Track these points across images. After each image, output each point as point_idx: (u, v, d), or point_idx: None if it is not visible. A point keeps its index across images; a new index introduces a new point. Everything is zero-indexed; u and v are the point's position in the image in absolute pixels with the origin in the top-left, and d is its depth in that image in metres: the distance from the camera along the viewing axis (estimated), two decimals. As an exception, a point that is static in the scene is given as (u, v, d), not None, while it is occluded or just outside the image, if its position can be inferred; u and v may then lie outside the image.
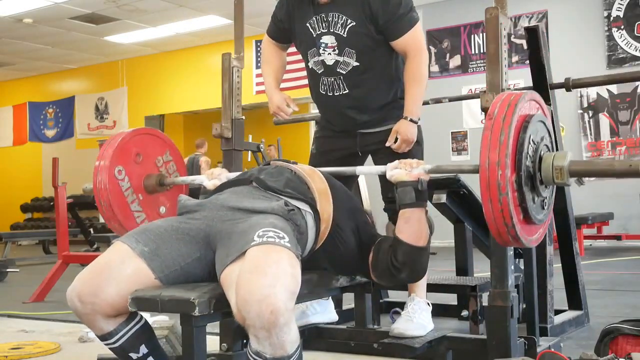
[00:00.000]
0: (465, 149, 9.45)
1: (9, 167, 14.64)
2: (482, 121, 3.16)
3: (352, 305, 2.81)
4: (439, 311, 3.35)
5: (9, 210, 14.05)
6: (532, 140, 2.00)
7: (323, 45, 2.60)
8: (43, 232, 10.74)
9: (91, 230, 9.90)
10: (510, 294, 2.26)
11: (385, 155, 2.66)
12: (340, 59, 2.59)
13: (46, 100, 14.06)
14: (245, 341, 2.64)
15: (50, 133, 14.00)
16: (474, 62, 9.51)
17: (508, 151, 1.88)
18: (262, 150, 2.79)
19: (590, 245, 8.12)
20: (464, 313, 3.41)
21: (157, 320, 2.92)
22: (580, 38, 8.50)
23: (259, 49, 11.07)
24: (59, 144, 13.81)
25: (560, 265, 3.43)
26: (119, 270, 1.82)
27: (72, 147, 13.52)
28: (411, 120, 2.60)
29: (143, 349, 1.90)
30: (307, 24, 2.63)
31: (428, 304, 2.69)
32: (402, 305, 3.52)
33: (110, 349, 1.90)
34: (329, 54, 2.60)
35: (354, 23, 2.56)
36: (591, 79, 3.41)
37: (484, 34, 2.42)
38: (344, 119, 2.70)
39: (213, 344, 2.48)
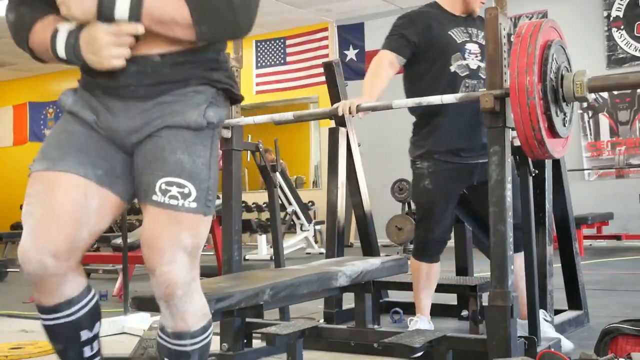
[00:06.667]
0: (465, 149, 9.46)
1: (9, 167, 14.62)
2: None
3: (352, 305, 2.81)
4: (439, 311, 3.35)
5: (9, 210, 14.03)
6: (555, 59, 2.29)
7: (467, 51, 2.87)
8: (43, 232, 10.72)
9: (91, 230, 9.89)
10: (511, 293, 2.26)
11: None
12: (482, 64, 2.84)
13: (46, 100, 14.04)
14: (245, 341, 2.65)
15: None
16: (474, 62, 9.51)
17: (535, 60, 2.20)
18: (260, 150, 2.80)
19: (590, 245, 8.11)
20: (464, 313, 3.41)
21: (157, 321, 2.92)
22: (580, 38, 8.49)
23: (259, 49, 11.07)
24: (59, 144, 13.80)
25: (560, 265, 3.43)
26: (87, 209, 1.55)
27: (72, 147, 13.51)
28: None
29: (97, 328, 1.70)
30: (450, 33, 2.88)
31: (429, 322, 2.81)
32: (402, 305, 3.53)
33: (56, 325, 1.69)
34: (473, 59, 2.88)
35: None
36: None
37: (484, 34, 2.43)
38: (473, 130, 2.81)
39: (213, 344, 2.47)
